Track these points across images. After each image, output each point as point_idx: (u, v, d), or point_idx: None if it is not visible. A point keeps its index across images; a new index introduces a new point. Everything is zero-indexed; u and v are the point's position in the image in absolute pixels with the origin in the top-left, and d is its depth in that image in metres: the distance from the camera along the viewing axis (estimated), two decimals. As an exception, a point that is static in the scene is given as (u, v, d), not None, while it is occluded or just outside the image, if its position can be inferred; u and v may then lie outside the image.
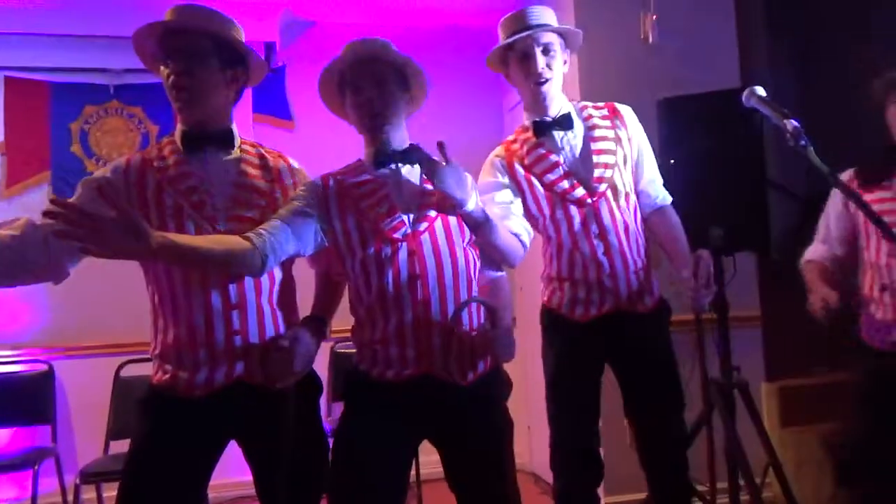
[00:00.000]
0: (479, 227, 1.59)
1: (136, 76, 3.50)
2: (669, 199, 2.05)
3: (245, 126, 3.61)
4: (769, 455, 2.31)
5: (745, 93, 1.80)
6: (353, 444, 1.61)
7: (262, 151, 1.72)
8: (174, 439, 1.56)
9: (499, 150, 2.00)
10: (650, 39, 3.07)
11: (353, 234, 1.62)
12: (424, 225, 1.63)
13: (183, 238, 1.46)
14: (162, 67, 1.60)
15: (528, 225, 1.87)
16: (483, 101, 3.77)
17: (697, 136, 2.13)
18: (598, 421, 2.01)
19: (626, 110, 2.02)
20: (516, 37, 1.86)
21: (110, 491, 2.09)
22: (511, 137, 2.02)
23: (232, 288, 1.56)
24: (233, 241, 1.51)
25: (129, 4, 2.95)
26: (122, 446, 2.67)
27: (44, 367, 3.27)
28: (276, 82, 3.74)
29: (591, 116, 1.98)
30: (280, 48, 3.68)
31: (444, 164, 1.51)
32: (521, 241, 1.79)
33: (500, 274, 1.77)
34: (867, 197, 1.89)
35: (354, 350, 1.69)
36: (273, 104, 3.76)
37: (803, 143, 1.67)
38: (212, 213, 1.58)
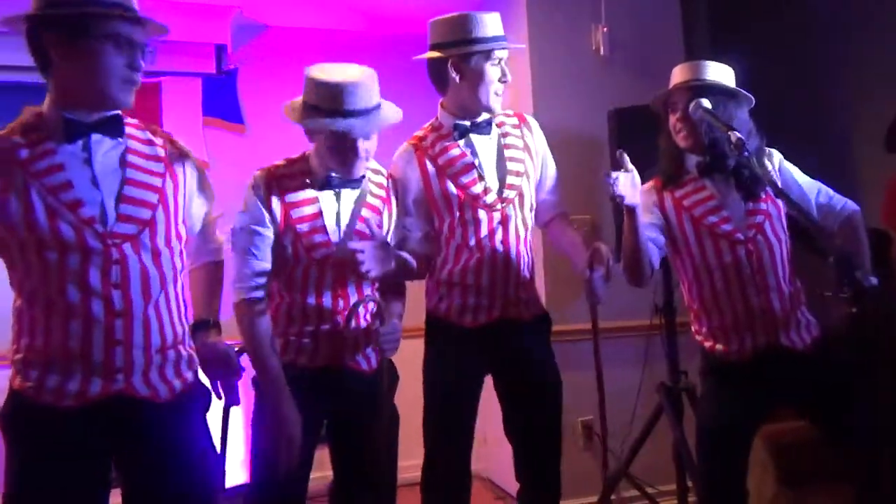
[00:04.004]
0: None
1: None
2: (565, 208, 2.13)
3: (195, 129, 3.54)
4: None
5: (692, 104, 1.85)
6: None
7: (150, 136, 1.56)
8: (50, 461, 1.40)
9: (406, 149, 1.99)
10: (601, 51, 3.13)
11: (289, 251, 1.77)
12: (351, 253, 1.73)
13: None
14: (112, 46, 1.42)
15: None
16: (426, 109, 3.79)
17: (648, 146, 2.17)
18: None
19: (533, 121, 2.09)
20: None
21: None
22: (420, 133, 2.02)
23: (116, 294, 1.42)
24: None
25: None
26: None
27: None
28: (227, 85, 3.67)
29: (503, 123, 2.03)
30: (232, 51, 3.61)
31: (368, 244, 1.74)
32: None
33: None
34: (677, 195, 1.96)
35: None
36: (224, 107, 3.68)
37: (746, 153, 1.74)
38: (89, 213, 1.42)
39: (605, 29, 3.13)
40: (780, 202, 1.92)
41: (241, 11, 3.52)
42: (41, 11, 1.40)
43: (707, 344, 1.96)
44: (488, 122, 1.98)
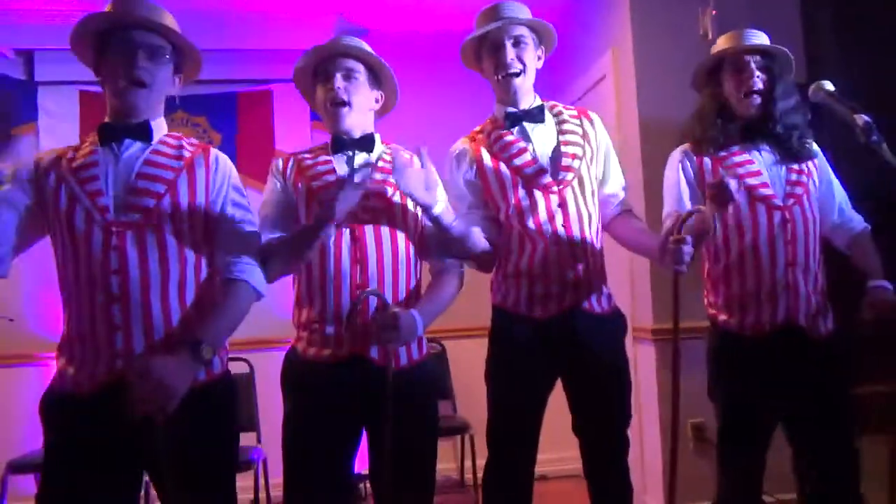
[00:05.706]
0: (448, 230, 1.73)
1: (201, 87, 3.60)
2: (631, 206, 2.07)
3: (304, 132, 3.71)
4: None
5: (812, 87, 1.76)
6: (299, 436, 1.71)
7: (184, 143, 1.66)
8: (77, 452, 1.46)
9: (462, 141, 2.01)
10: (710, 36, 2.99)
11: (305, 213, 1.76)
12: (368, 216, 1.73)
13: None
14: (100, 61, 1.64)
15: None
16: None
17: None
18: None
19: (596, 117, 2.04)
20: (487, 28, 1.90)
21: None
22: (477, 128, 2.03)
23: (114, 279, 1.49)
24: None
25: (188, 13, 3.05)
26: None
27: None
28: (332, 89, 3.81)
29: (561, 113, 2.01)
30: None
31: (413, 167, 1.67)
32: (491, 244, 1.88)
33: (457, 269, 1.85)
34: (719, 155, 1.98)
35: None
36: (329, 111, 3.83)
37: (875, 139, 1.62)
38: (105, 202, 1.53)
39: (715, 12, 2.98)
40: (815, 184, 1.96)
41: (342, 16, 3.65)
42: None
43: (721, 318, 1.95)
44: (540, 109, 1.97)
